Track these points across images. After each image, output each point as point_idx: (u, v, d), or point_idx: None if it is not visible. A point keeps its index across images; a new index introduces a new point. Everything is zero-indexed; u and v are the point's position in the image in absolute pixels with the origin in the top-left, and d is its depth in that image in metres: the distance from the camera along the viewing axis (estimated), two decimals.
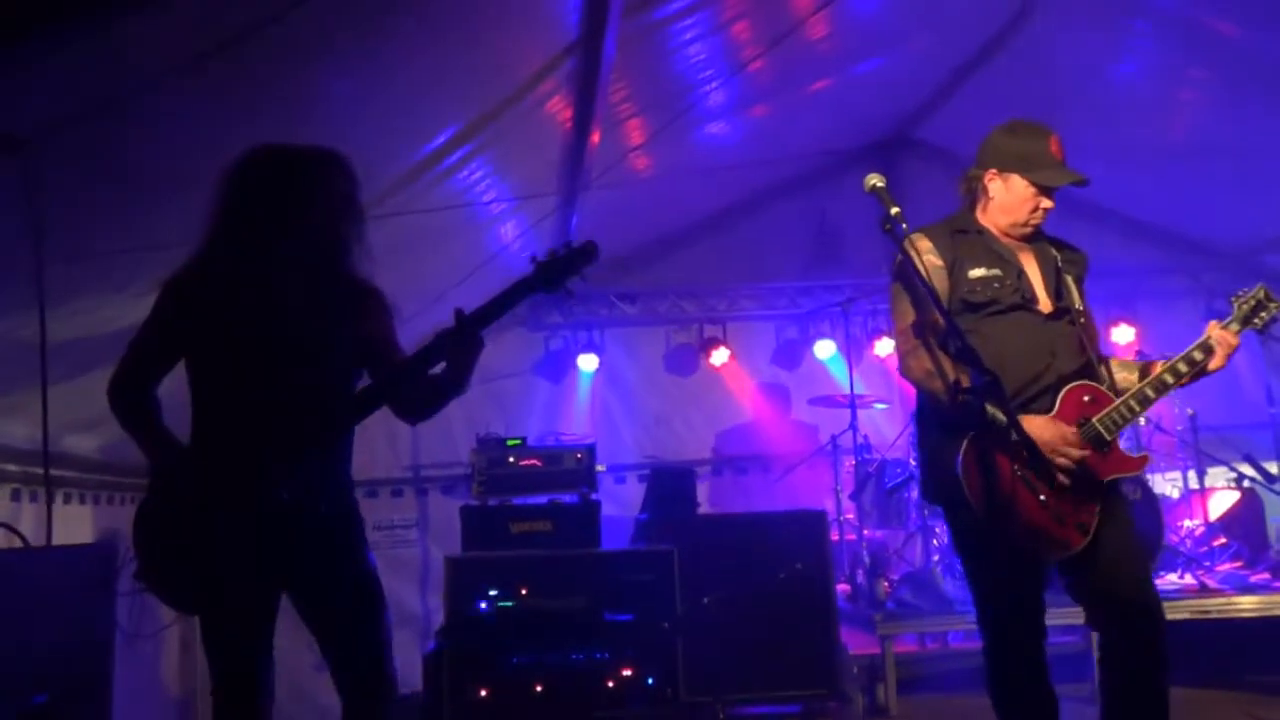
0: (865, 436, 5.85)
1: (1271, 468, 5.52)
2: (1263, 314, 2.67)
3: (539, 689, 4.24)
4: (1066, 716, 2.68)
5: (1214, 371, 2.66)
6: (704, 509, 5.77)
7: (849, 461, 5.79)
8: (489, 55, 3.65)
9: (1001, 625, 2.69)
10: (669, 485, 5.40)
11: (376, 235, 2.59)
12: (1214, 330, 2.64)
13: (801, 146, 6.16)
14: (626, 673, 4.27)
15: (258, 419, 2.31)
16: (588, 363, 6.44)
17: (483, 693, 4.25)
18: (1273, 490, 5.51)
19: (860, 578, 5.10)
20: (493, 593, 4.40)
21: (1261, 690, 4.67)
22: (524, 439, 5.06)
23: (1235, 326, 2.67)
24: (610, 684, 4.26)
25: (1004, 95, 5.46)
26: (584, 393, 6.52)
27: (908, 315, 2.67)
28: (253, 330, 2.35)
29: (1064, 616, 4.14)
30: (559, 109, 4.57)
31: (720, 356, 6.54)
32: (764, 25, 4.57)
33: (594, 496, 4.84)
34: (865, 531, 5.47)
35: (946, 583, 4.75)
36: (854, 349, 6.38)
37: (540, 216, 5.47)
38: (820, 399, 6.14)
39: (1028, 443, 2.42)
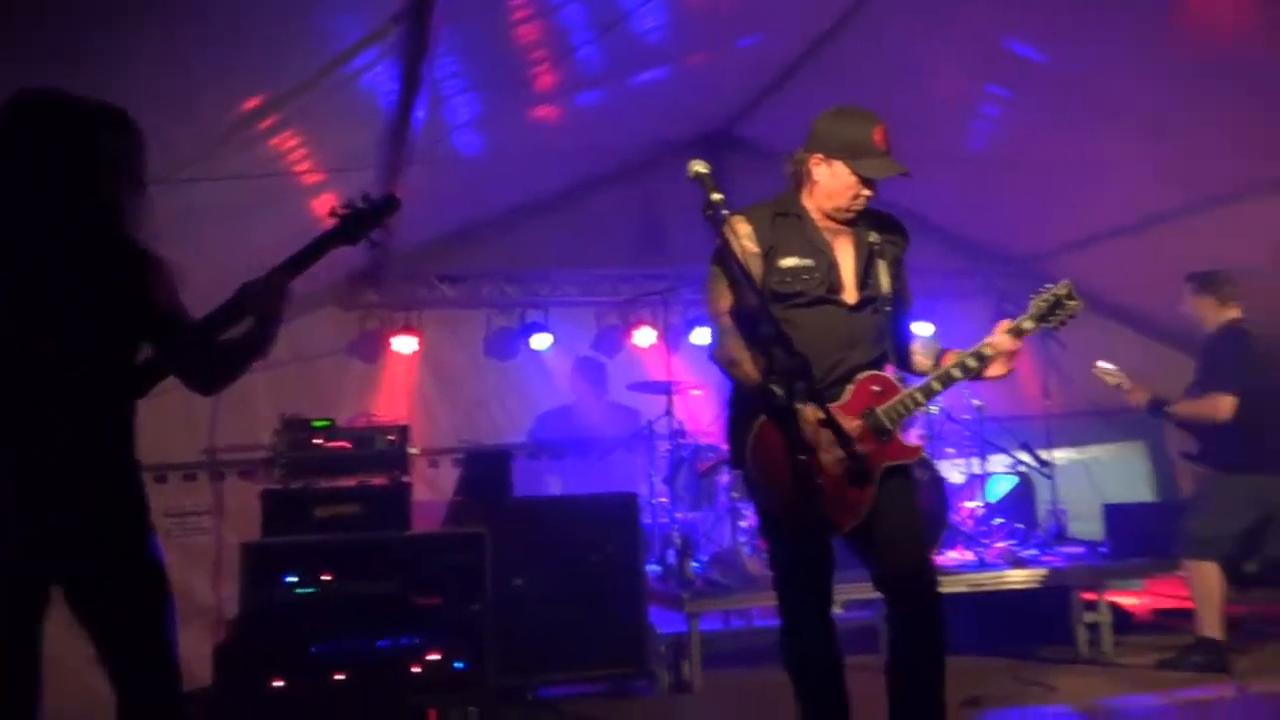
0: (680, 421, 6.00)
1: (1044, 455, 6.02)
2: (1059, 312, 2.74)
3: (340, 677, 4.12)
4: (857, 687, 2.85)
5: (997, 378, 2.75)
6: (521, 493, 5.76)
7: (664, 446, 5.92)
8: (308, 19, 3.50)
9: (794, 599, 2.83)
10: (483, 468, 5.37)
11: (174, 202, 2.43)
12: (993, 338, 2.73)
13: (630, 135, 6.22)
14: (434, 657, 4.21)
15: (17, 396, 2.11)
16: (405, 344, 6.30)
17: (278, 684, 4.08)
18: (1044, 475, 6.03)
19: (671, 558, 5.23)
20: (292, 579, 4.24)
21: (1030, 657, 5.09)
22: (333, 421, 4.89)
23: (1029, 324, 2.74)
24: (417, 669, 4.19)
25: (823, 98, 5.68)
26: (400, 375, 6.37)
27: (722, 299, 2.72)
28: (9, 302, 2.14)
29: (857, 592, 4.41)
30: (382, 81, 4.44)
31: (541, 341, 6.54)
32: (596, 11, 4.58)
33: (405, 479, 4.74)
34: (677, 514, 5.60)
35: (752, 562, 4.93)
36: (673, 336, 6.53)
37: (359, 192, 5.29)
38: (638, 384, 6.25)
39: (832, 423, 2.49)
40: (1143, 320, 7.15)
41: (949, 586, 4.91)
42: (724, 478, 5.53)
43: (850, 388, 2.75)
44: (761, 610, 5.44)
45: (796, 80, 5.72)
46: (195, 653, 3.73)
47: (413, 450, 4.91)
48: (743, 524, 5.41)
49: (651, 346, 6.68)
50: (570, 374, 6.76)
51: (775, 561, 2.90)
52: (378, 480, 4.69)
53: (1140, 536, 5.55)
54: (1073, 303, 2.72)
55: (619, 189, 6.62)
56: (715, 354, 2.82)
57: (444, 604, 4.33)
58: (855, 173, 2.72)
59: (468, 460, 5.45)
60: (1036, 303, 2.75)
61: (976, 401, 5.91)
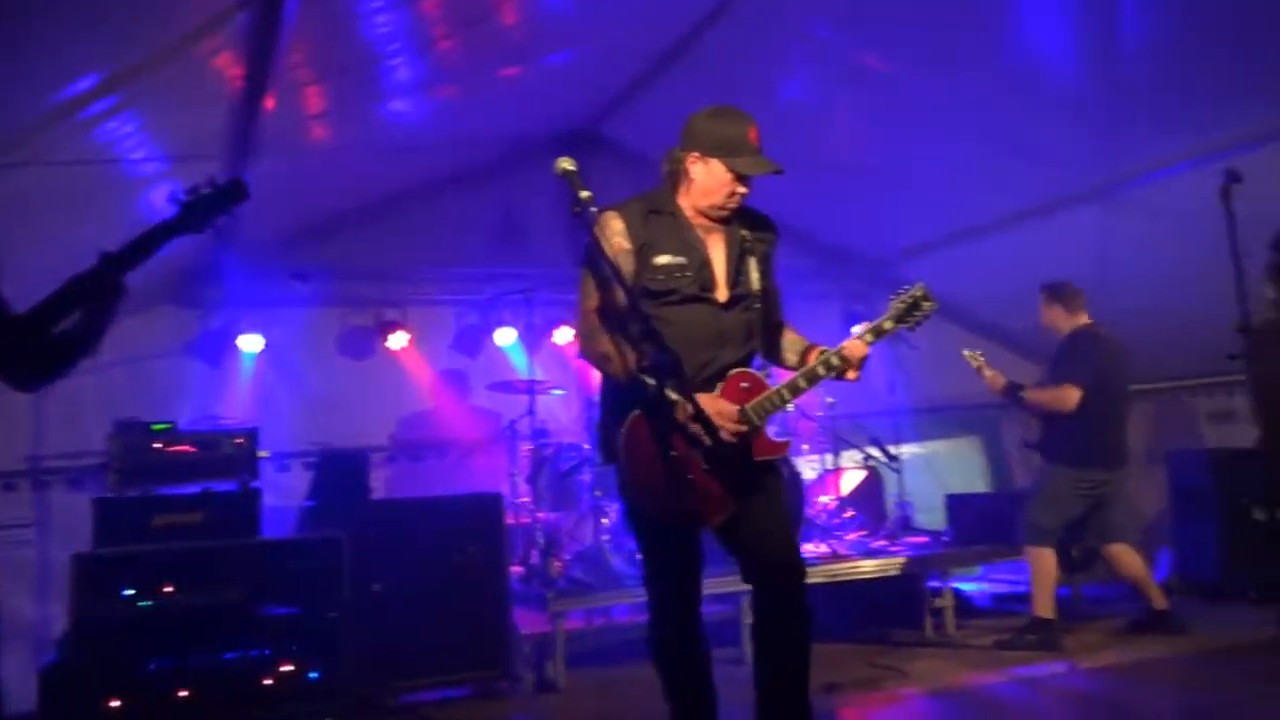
0: (543, 422, 5.96)
1: (892, 449, 6.29)
2: (916, 313, 2.80)
3: (183, 694, 3.89)
4: (718, 677, 2.89)
5: (854, 379, 2.82)
6: (380, 496, 5.60)
7: (526, 446, 5.87)
8: None
9: (662, 591, 2.85)
10: (339, 471, 5.20)
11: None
12: (847, 343, 2.79)
13: (490, 132, 6.14)
14: (287, 668, 4.04)
15: None
16: (251, 343, 6.02)
17: (114, 704, 3.82)
18: (892, 469, 6.30)
19: (534, 558, 5.19)
20: (130, 593, 3.98)
21: (883, 643, 5.32)
22: (174, 424, 4.62)
23: (889, 323, 2.79)
24: (268, 681, 4.01)
25: (685, 101, 5.77)
26: (247, 376, 6.09)
27: (592, 297, 2.73)
28: None
29: (719, 586, 4.51)
30: (228, 66, 4.23)
31: (399, 340, 6.38)
32: (456, 3, 4.50)
33: (255, 484, 4.53)
34: (540, 514, 5.57)
35: (615, 559, 4.95)
36: (534, 337, 6.49)
37: (203, 182, 5.02)
38: (499, 385, 6.17)
39: (701, 416, 2.56)
40: (976, 322, 7.56)
41: (808, 578, 5.13)
42: (586, 477, 5.53)
43: (720, 385, 2.79)
44: (623, 607, 5.47)
45: (658, 83, 5.78)
46: (17, 673, 3.46)
47: (262, 454, 4.70)
48: (605, 522, 5.43)
49: (512, 346, 6.62)
50: (429, 374, 6.61)
51: (645, 557, 2.91)
52: (224, 485, 4.46)
53: (979, 525, 5.88)
54: (928, 304, 2.80)
55: (480, 187, 6.52)
56: (585, 351, 2.82)
57: (298, 612, 4.15)
58: (732, 170, 2.74)
59: (322, 463, 5.25)
60: (895, 304, 2.82)
61: (829, 399, 6.11)
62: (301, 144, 5.38)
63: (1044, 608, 4.97)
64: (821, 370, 2.78)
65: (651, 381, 2.59)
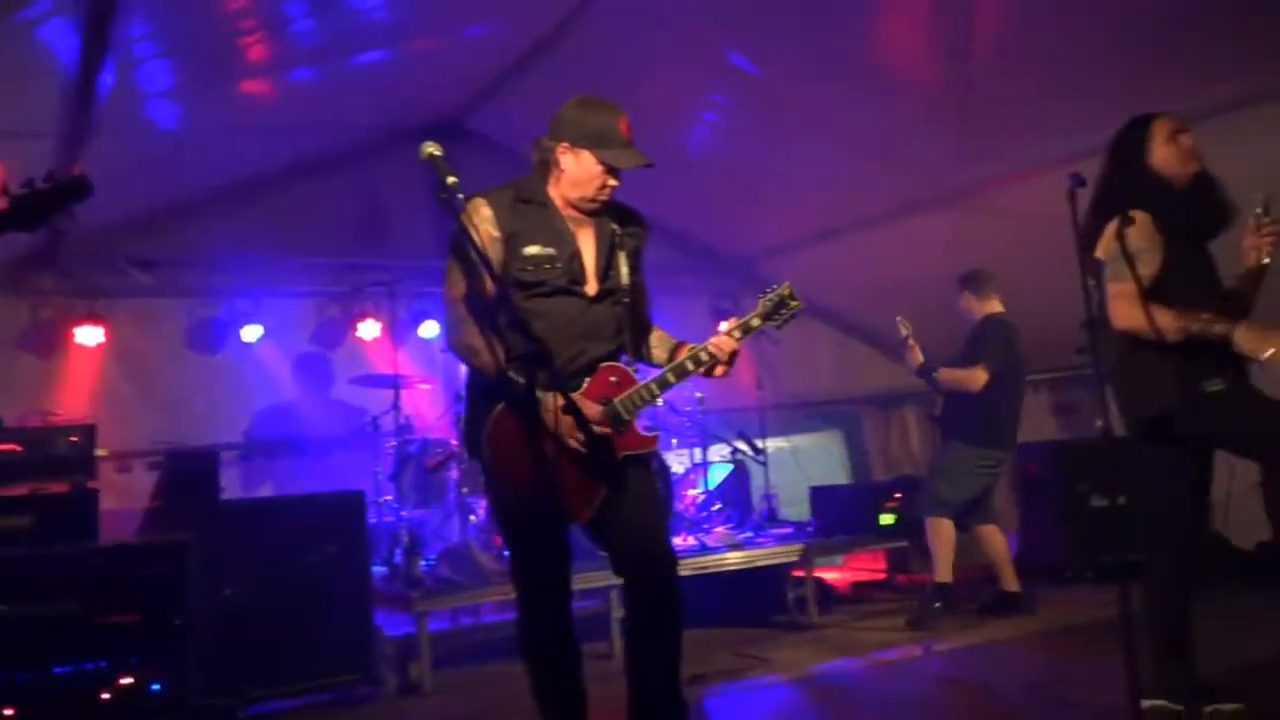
0: (408, 416, 5.80)
1: (758, 443, 6.39)
2: (782, 311, 2.81)
3: (9, 713, 3.59)
4: (587, 672, 2.84)
5: (723, 375, 2.81)
6: (232, 496, 5.32)
7: (390, 442, 5.69)
8: None
9: (532, 588, 2.80)
10: (186, 471, 4.91)
11: None
12: (715, 339, 2.78)
13: (353, 118, 5.93)
14: (126, 681, 3.78)
15: None
16: (89, 335, 5.63)
17: None
18: (758, 462, 6.40)
19: (398, 558, 5.03)
20: None
21: (746, 628, 5.40)
22: None
23: (757, 321, 2.79)
24: (105, 696, 3.74)
25: (553, 95, 5.69)
26: (84, 370, 5.69)
27: (459, 286, 2.65)
28: None
29: (588, 581, 4.48)
30: (62, 35, 3.93)
31: (253, 333, 6.09)
32: None
33: (91, 485, 4.22)
34: (404, 512, 5.41)
35: (483, 556, 4.85)
36: (399, 329, 6.30)
37: (33, 161, 4.65)
38: (363, 379, 5.97)
39: (574, 411, 2.52)
40: (837, 318, 7.79)
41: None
42: (453, 473, 5.40)
43: (589, 379, 2.76)
44: (490, 605, 5.36)
45: (526, 75, 5.70)
46: None
47: (100, 453, 4.40)
48: (473, 519, 5.32)
49: (376, 340, 6.41)
50: (287, 368, 6.33)
51: (513, 553, 2.85)
52: (56, 487, 4.14)
53: (841, 516, 6.05)
54: (795, 303, 2.82)
55: (342, 174, 6.27)
56: (452, 342, 2.75)
57: (140, 622, 3.89)
58: (602, 162, 2.70)
59: (168, 463, 4.95)
60: (763, 302, 2.83)
61: (698, 394, 6.16)
62: (143, 122, 5.06)
63: (944, 574, 5.24)
64: (691, 365, 2.77)
65: (520, 377, 2.54)
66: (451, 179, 2.52)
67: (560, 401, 2.54)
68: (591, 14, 5.01)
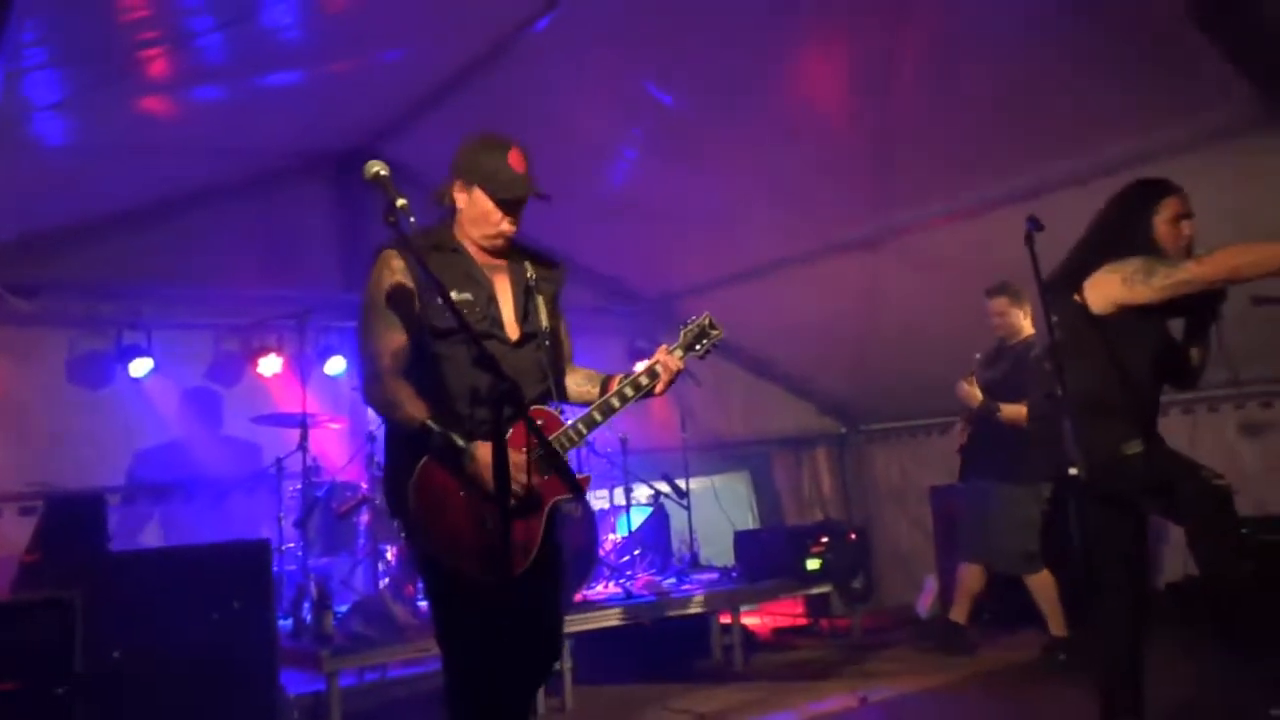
0: (315, 458, 5.46)
1: (681, 484, 6.27)
2: (704, 341, 2.85)
3: None
4: None
5: (659, 395, 2.79)
6: (118, 544, 4.87)
7: (294, 485, 5.34)
8: None
9: (464, 648, 2.66)
10: (69, 517, 4.45)
11: None
12: (661, 355, 2.77)
13: (261, 142, 5.62)
14: None
15: None
16: None
17: None
18: (682, 505, 6.27)
19: (305, 611, 4.68)
20: None
21: (675, 681, 5.24)
22: None
23: (679, 352, 2.82)
24: None
25: (470, 126, 5.50)
26: None
27: (377, 338, 2.58)
28: None
29: None
30: None
31: (142, 367, 5.64)
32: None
33: None
34: (309, 560, 5.06)
35: (397, 608, 4.55)
36: (305, 365, 5.95)
37: None
38: (267, 417, 5.60)
39: (501, 460, 2.35)
40: (754, 360, 7.77)
41: (604, 621, 4.96)
42: (364, 517, 5.10)
43: (515, 424, 2.64)
44: (399, 662, 5.05)
45: (445, 106, 5.52)
46: None
47: None
48: (381, 566, 5.02)
49: (278, 376, 6.03)
50: (178, 405, 5.89)
51: (445, 616, 2.71)
52: None
53: (765, 561, 5.95)
54: (715, 331, 2.86)
55: (246, 201, 5.93)
56: (370, 396, 2.65)
57: (18, 690, 3.46)
58: (492, 197, 2.66)
59: (48, 508, 4.49)
60: (684, 333, 2.85)
61: (622, 436, 6.01)
62: (25, 137, 4.66)
63: (1058, 626, 5.01)
64: (630, 390, 2.73)
65: (442, 429, 2.46)
66: (401, 201, 2.42)
67: (488, 453, 2.44)
68: (516, 45, 4.88)
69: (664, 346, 2.82)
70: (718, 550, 6.74)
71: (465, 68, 5.21)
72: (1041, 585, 5.04)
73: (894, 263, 6.04)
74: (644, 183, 6.11)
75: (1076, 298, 3.17)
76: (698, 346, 2.85)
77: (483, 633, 2.60)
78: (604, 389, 2.81)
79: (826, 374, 7.68)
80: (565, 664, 4.65)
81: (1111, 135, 4.60)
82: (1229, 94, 4.14)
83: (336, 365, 6.15)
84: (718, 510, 7.33)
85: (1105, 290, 3.12)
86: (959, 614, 5.31)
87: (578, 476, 2.74)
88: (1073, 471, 3.01)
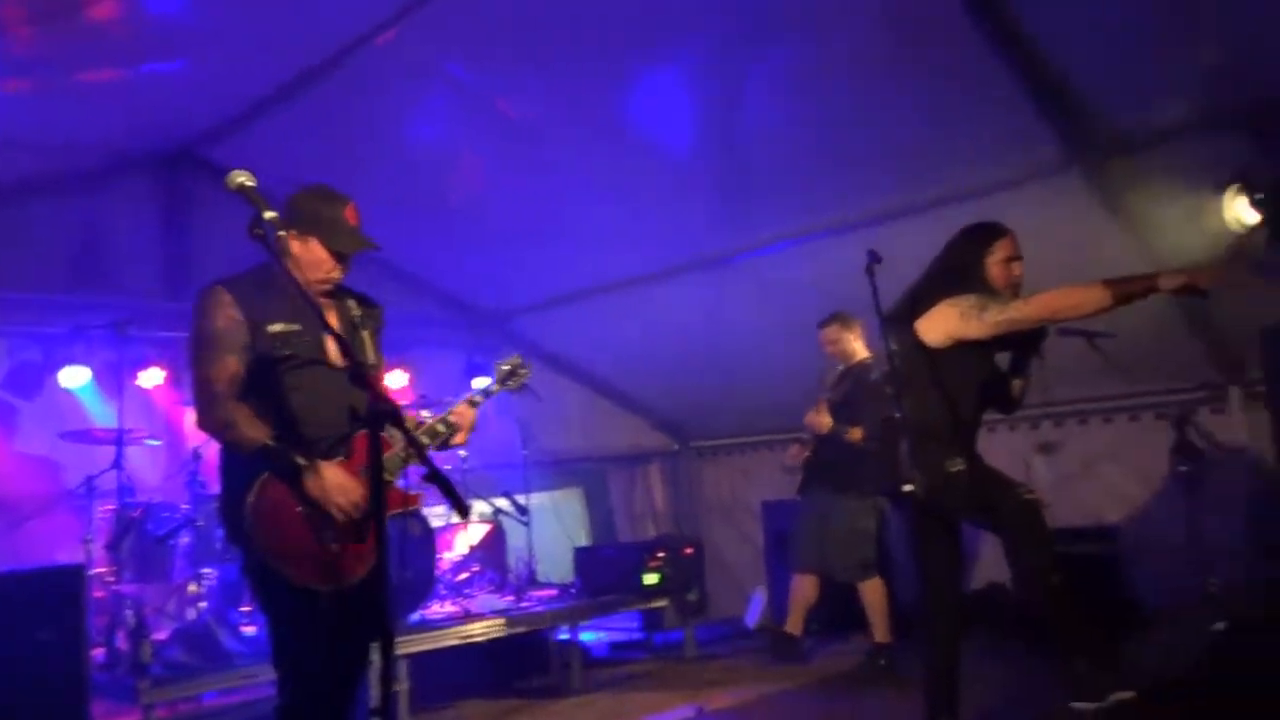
0: (129, 478, 5.10)
1: (521, 500, 6.23)
2: (516, 377, 3.17)
3: None
4: None
5: (461, 444, 2.97)
6: None
7: (106, 506, 4.97)
8: None
9: (303, 670, 2.67)
10: None
11: None
12: (458, 408, 2.92)
13: (71, 139, 5.22)
14: None
15: None
16: None
17: None
18: (522, 521, 6.23)
19: (120, 641, 4.35)
20: None
21: (505, 699, 5.20)
22: None
23: (495, 387, 3.09)
24: None
25: (305, 134, 5.34)
26: None
27: (209, 365, 2.65)
28: None
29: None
30: None
31: None
32: None
33: None
34: (121, 586, 4.72)
35: (224, 635, 4.32)
36: (115, 378, 5.55)
37: None
38: (75, 434, 5.19)
39: (338, 478, 2.58)
40: (588, 377, 7.82)
41: (442, 640, 4.87)
42: (185, 540, 4.81)
43: (352, 444, 2.75)
44: (210, 693, 4.78)
45: (280, 112, 5.30)
46: None
47: None
48: (196, 589, 4.72)
49: (85, 388, 5.61)
50: None
51: (283, 634, 2.71)
52: None
53: (604, 576, 5.99)
54: (524, 370, 3.18)
55: (54, 200, 5.48)
56: (205, 421, 2.68)
57: None
58: (328, 248, 2.79)
59: None
60: (499, 369, 3.18)
61: (462, 452, 5.92)
62: None
63: (883, 634, 5.21)
64: (427, 439, 2.85)
65: (281, 449, 2.56)
66: (269, 213, 2.37)
67: (327, 469, 2.60)
68: (356, 55, 4.76)
69: (464, 399, 2.96)
70: (554, 566, 6.74)
71: (303, 75, 5.03)
72: (873, 592, 5.30)
73: (736, 285, 6.21)
74: (489, 198, 6.05)
75: (914, 330, 3.39)
76: (511, 381, 3.16)
77: (326, 644, 2.65)
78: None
79: (662, 391, 7.81)
80: (401, 685, 4.53)
81: (941, 171, 4.90)
82: (1035, 137, 4.51)
83: (152, 377, 5.79)
84: (556, 526, 7.33)
85: (941, 324, 3.34)
86: (794, 625, 5.49)
87: (410, 493, 2.94)
88: (907, 488, 3.23)
